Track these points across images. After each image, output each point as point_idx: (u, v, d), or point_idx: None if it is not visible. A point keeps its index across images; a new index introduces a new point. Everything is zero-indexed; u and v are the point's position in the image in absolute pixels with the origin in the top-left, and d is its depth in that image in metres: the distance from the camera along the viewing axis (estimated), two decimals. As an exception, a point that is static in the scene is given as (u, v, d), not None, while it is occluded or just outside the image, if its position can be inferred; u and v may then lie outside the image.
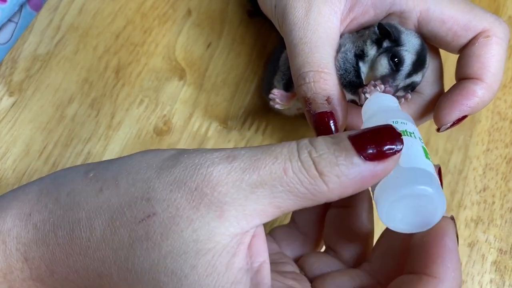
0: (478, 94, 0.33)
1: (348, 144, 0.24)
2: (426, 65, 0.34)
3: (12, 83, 0.43)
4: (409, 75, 0.33)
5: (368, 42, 0.34)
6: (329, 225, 0.33)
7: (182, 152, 0.25)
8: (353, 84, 0.33)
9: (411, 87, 0.34)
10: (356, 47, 0.34)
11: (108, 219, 0.24)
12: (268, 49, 0.46)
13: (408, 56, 0.33)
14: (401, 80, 0.33)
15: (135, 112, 0.43)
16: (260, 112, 0.44)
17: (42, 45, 0.44)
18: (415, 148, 0.27)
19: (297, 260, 0.33)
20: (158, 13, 0.46)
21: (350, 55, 0.34)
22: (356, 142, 0.24)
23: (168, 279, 0.23)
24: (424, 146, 0.28)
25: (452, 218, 0.27)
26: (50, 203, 0.26)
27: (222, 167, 0.24)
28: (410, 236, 0.27)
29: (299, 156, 0.24)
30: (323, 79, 0.33)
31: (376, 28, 0.33)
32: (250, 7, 0.47)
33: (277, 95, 0.37)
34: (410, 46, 0.33)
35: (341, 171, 0.24)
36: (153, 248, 0.23)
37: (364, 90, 0.32)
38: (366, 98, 0.32)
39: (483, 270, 0.41)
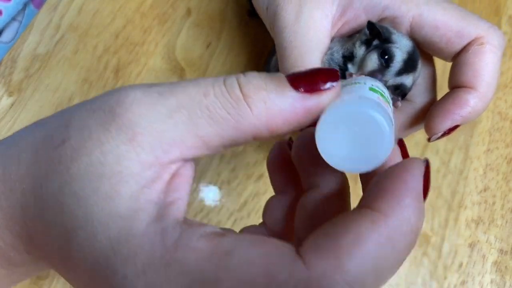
0: (471, 103, 0.33)
1: (282, 77, 0.22)
2: (417, 70, 0.34)
3: (12, 83, 0.43)
4: (399, 73, 0.32)
5: (357, 44, 0.33)
6: (301, 216, 0.29)
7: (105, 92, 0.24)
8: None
9: (401, 91, 0.33)
10: (344, 49, 0.34)
11: (34, 150, 0.23)
12: (268, 49, 0.46)
13: (399, 54, 0.32)
14: (390, 77, 0.32)
15: (135, 112, 0.43)
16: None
17: (42, 44, 0.44)
18: (359, 88, 0.24)
19: None
20: (158, 13, 0.46)
21: (337, 56, 0.33)
22: (291, 78, 0.22)
23: (70, 201, 0.21)
24: (375, 87, 0.25)
25: (426, 160, 0.22)
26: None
27: (140, 90, 0.22)
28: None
29: (224, 81, 0.22)
30: None
31: (366, 28, 0.33)
32: (249, 7, 0.47)
33: None
34: (401, 45, 0.33)
35: (269, 97, 0.22)
36: (62, 172, 0.22)
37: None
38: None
39: (483, 270, 0.41)
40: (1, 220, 0.24)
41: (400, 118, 0.35)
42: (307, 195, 0.27)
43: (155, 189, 0.22)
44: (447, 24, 0.33)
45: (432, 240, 0.41)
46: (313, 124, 0.23)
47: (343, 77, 0.32)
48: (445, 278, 0.40)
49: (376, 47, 0.32)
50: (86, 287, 0.22)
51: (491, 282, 0.40)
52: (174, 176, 0.23)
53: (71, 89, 0.43)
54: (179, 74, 0.45)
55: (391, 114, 0.23)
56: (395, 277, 0.40)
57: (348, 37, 0.35)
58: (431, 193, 0.42)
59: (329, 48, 0.34)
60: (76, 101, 0.43)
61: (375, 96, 0.24)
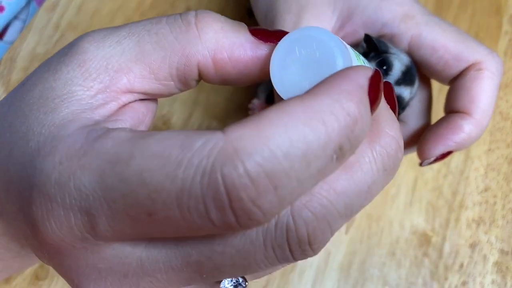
0: (465, 129, 0.32)
1: (243, 24, 0.23)
2: (415, 85, 0.33)
3: (11, 83, 0.43)
4: (398, 83, 0.32)
5: None
6: None
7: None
8: None
9: (398, 103, 0.33)
10: None
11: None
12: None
13: (398, 64, 0.32)
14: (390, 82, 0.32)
15: (134, 112, 0.43)
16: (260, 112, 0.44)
17: (41, 44, 0.44)
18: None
19: None
20: (158, 12, 0.46)
21: None
22: (252, 28, 0.23)
23: (18, 121, 0.22)
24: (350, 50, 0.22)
25: (375, 69, 0.21)
26: None
27: (100, 30, 0.22)
28: None
29: (180, 14, 0.22)
30: None
31: (362, 41, 0.32)
32: (249, 6, 0.46)
33: (256, 106, 0.36)
34: (399, 58, 0.32)
35: (221, 29, 0.22)
36: (19, 99, 0.23)
37: None
38: None
39: (484, 271, 0.41)
40: None
41: None
42: None
43: (98, 113, 0.22)
44: (446, 46, 0.33)
45: (433, 240, 0.41)
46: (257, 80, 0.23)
47: None
48: (446, 278, 0.40)
49: (373, 57, 0.32)
50: (6, 192, 0.22)
51: (492, 282, 0.40)
52: (124, 107, 0.23)
53: (70, 88, 0.43)
54: (179, 73, 0.44)
55: (352, 52, 0.22)
56: (395, 277, 0.40)
57: None
58: (432, 193, 0.42)
59: None
60: (75, 101, 0.43)
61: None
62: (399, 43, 0.34)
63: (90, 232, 0.19)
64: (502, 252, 0.41)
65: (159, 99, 0.45)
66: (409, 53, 0.34)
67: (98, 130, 0.20)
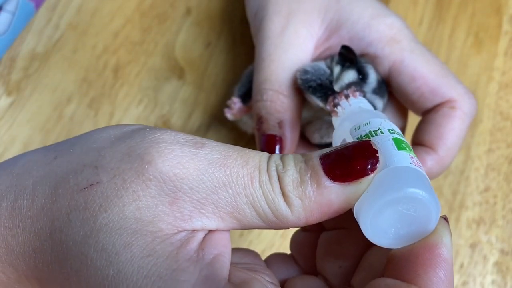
0: (428, 164, 0.32)
1: (317, 163, 0.21)
2: (385, 99, 0.33)
3: (10, 83, 0.42)
4: (375, 92, 0.32)
5: (333, 63, 0.33)
6: (320, 248, 0.29)
7: (146, 126, 0.22)
8: (323, 87, 0.32)
9: None
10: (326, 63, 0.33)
11: (52, 187, 0.21)
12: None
13: (373, 74, 0.32)
14: (368, 91, 0.32)
15: (134, 112, 0.43)
16: (260, 111, 0.44)
17: (41, 44, 0.44)
18: (384, 145, 0.23)
19: (283, 284, 0.29)
20: (158, 12, 0.46)
21: (322, 65, 0.33)
22: (325, 161, 0.21)
23: (97, 255, 0.20)
24: (397, 137, 0.24)
25: (445, 218, 0.23)
26: (4, 174, 0.23)
27: (187, 150, 0.21)
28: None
29: (268, 168, 0.22)
30: (280, 101, 0.32)
31: (338, 55, 0.32)
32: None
33: (235, 103, 0.36)
34: (372, 70, 0.33)
35: (305, 194, 0.21)
36: (89, 220, 0.20)
37: (336, 101, 0.29)
38: (339, 109, 0.29)
39: (484, 271, 0.41)
40: (4, 256, 0.22)
41: None
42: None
43: (191, 248, 0.21)
44: (425, 78, 0.33)
45: (433, 240, 0.41)
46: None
47: (330, 84, 0.32)
48: (446, 278, 0.40)
49: (348, 67, 0.32)
50: None
51: (492, 282, 0.40)
52: (208, 233, 0.22)
53: (70, 88, 0.43)
54: (179, 74, 0.44)
55: (423, 171, 0.23)
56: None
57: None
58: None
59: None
60: (74, 100, 0.42)
61: (406, 156, 0.22)
62: (379, 65, 0.34)
63: None
64: (502, 252, 0.41)
65: (158, 98, 0.45)
66: (388, 78, 0.34)
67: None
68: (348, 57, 0.32)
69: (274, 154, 0.22)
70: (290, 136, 0.32)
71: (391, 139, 0.23)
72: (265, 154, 0.22)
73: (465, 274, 0.40)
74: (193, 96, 0.44)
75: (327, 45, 0.34)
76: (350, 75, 0.32)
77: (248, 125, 0.39)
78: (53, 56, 0.44)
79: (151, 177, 0.20)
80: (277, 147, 0.31)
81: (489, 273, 0.41)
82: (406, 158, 0.22)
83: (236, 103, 0.36)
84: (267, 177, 0.21)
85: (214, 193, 0.21)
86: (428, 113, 0.34)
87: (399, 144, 0.23)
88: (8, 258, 0.22)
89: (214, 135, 0.43)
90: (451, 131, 0.32)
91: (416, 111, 0.35)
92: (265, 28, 0.34)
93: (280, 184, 0.21)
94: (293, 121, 0.32)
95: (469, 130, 0.45)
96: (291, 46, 0.33)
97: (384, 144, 0.23)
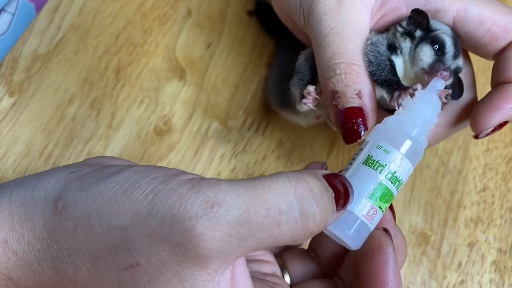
0: None
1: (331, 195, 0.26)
2: (461, 53, 0.33)
3: (13, 83, 0.43)
4: (455, 56, 0.32)
5: (398, 35, 0.33)
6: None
7: (155, 192, 0.24)
8: (389, 82, 0.31)
9: (456, 74, 0.33)
10: (386, 38, 0.33)
11: (91, 261, 0.24)
12: (269, 49, 0.46)
13: (447, 38, 0.32)
14: (450, 62, 0.32)
15: (135, 112, 0.43)
16: (260, 112, 0.44)
17: (43, 45, 0.44)
18: (365, 185, 0.28)
19: (280, 256, 0.33)
20: (158, 13, 0.46)
21: (383, 48, 0.32)
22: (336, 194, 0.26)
23: None
24: (386, 185, 0.29)
25: (386, 230, 0.29)
26: (26, 233, 0.25)
27: (206, 220, 0.23)
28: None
29: (299, 207, 0.24)
30: (355, 71, 0.31)
31: (407, 19, 0.32)
32: (255, 6, 0.47)
33: (310, 92, 0.34)
34: (444, 30, 0.32)
35: (321, 225, 0.25)
36: None
37: (400, 101, 0.30)
38: (400, 109, 0.30)
39: (482, 270, 0.41)
40: None
41: (444, 117, 0.34)
42: None
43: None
44: (493, 19, 0.32)
45: (431, 239, 0.41)
46: None
47: (394, 74, 0.32)
48: (444, 277, 0.40)
49: (422, 38, 0.32)
50: None
51: (490, 281, 0.41)
52: (233, 267, 0.25)
53: (71, 89, 0.43)
54: (180, 74, 0.45)
55: (369, 223, 0.29)
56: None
57: (385, 30, 0.34)
58: (430, 193, 0.43)
59: (367, 40, 0.32)
60: (76, 101, 0.43)
61: (367, 207, 0.29)
62: (443, 18, 0.33)
63: None
64: (500, 251, 0.41)
65: (159, 99, 0.46)
66: (453, 28, 0.33)
67: None
68: (418, 21, 0.32)
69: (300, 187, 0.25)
70: (371, 106, 0.31)
71: (376, 184, 0.28)
72: (289, 192, 0.24)
73: (463, 273, 0.41)
74: (194, 97, 0.44)
75: (383, 12, 0.34)
76: (427, 54, 0.32)
77: (308, 118, 0.38)
78: (55, 57, 0.44)
79: (183, 255, 0.23)
80: (360, 120, 0.30)
81: (487, 272, 0.41)
82: (366, 208, 0.28)
83: (311, 91, 0.34)
84: (298, 215, 0.24)
85: (239, 245, 0.23)
86: (502, 53, 0.33)
87: (377, 191, 0.28)
88: None
89: (214, 135, 0.43)
90: None
91: (488, 54, 0.34)
92: (319, 7, 0.33)
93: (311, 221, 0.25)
94: (370, 89, 0.31)
95: (468, 130, 0.45)
96: (350, 18, 0.32)
97: (366, 183, 0.28)
